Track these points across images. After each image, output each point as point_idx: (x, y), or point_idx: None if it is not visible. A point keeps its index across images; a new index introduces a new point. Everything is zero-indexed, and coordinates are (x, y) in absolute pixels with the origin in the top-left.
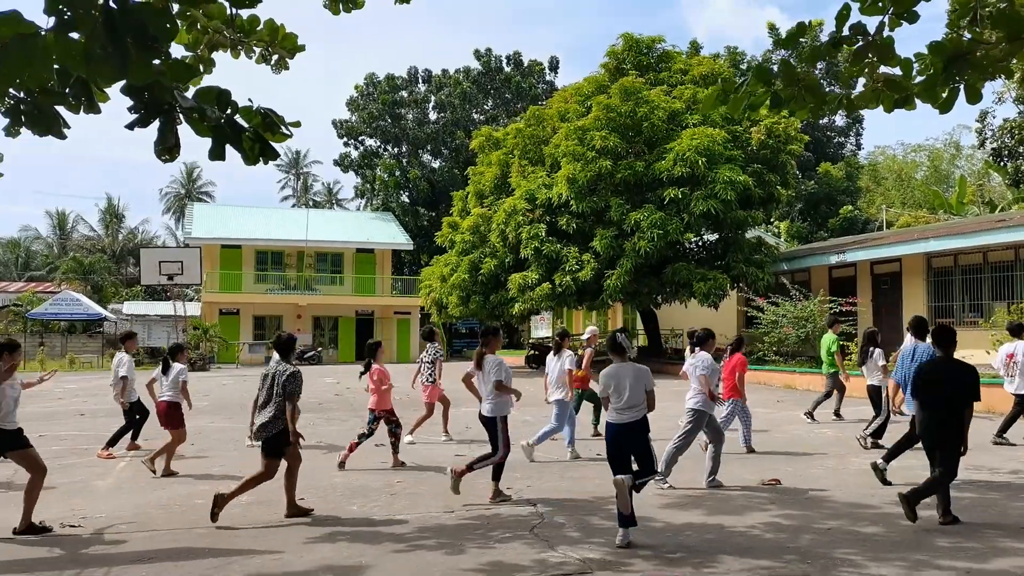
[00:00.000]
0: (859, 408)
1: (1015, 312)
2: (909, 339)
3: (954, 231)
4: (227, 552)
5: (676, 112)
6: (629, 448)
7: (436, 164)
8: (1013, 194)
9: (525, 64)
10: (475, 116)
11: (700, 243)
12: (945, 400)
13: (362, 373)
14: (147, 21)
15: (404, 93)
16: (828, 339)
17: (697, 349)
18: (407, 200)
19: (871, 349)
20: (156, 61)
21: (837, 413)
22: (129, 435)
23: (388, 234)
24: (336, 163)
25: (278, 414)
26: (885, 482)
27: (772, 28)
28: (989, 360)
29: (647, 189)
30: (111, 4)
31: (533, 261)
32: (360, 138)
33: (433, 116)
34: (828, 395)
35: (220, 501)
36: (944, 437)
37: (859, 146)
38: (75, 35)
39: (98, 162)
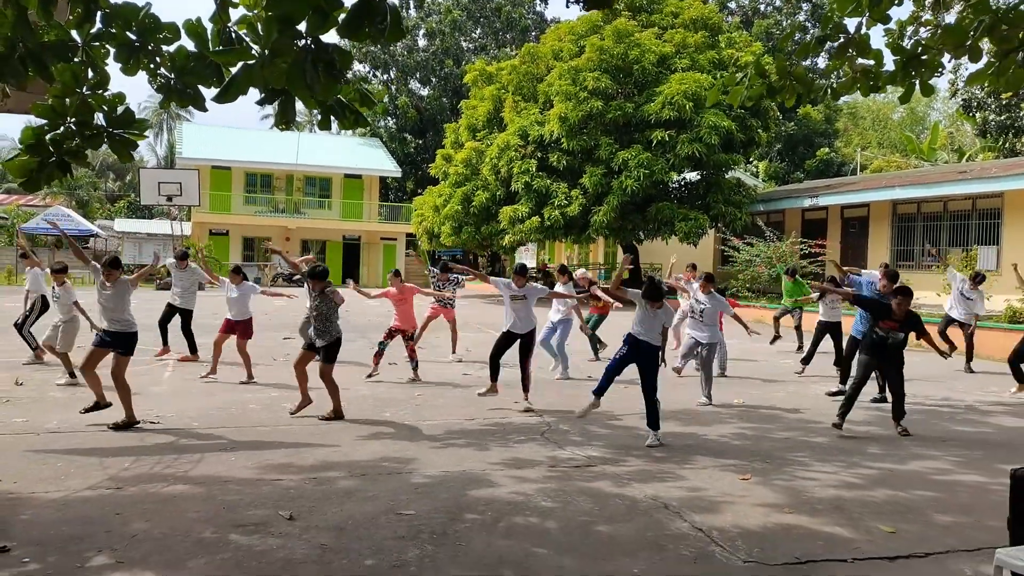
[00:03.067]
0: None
1: (967, 259)
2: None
3: (919, 180)
4: (294, 444)
5: (666, 56)
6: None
7: (425, 92)
8: (981, 143)
9: None
10: (464, 45)
11: (682, 183)
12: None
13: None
14: (336, 56)
15: None
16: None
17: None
18: (394, 126)
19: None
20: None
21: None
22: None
23: (376, 160)
24: None
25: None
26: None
27: None
28: (940, 301)
29: (635, 130)
30: (309, 43)
31: (524, 195)
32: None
33: (423, 43)
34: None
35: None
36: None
37: None
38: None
39: None
